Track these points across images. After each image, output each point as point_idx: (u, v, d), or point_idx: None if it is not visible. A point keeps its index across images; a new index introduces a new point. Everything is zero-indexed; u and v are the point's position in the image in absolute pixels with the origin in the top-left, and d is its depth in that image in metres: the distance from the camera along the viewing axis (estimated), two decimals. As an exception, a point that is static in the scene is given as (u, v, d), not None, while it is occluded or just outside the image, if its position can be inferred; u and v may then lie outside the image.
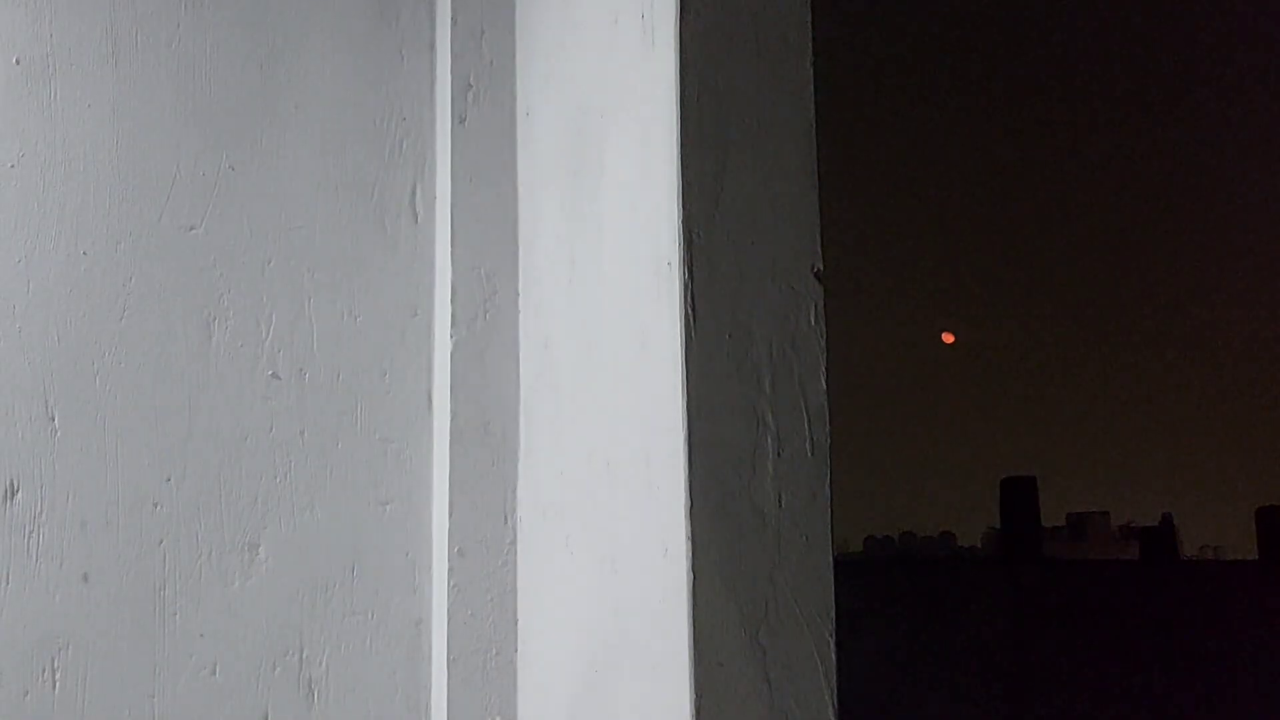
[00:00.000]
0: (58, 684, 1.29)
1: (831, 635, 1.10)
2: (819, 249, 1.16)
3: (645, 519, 1.11)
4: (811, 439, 1.12)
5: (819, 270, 1.15)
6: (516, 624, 1.40)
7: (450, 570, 1.40)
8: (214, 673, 1.34)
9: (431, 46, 1.53)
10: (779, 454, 1.10)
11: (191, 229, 1.41)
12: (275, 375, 1.41)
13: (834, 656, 1.09)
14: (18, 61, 1.37)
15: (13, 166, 1.35)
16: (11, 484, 1.30)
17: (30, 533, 1.30)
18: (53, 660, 1.29)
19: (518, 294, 1.45)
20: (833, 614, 1.11)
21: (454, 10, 1.50)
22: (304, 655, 1.38)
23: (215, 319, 1.40)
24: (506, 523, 1.42)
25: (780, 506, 1.10)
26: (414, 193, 1.50)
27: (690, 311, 1.08)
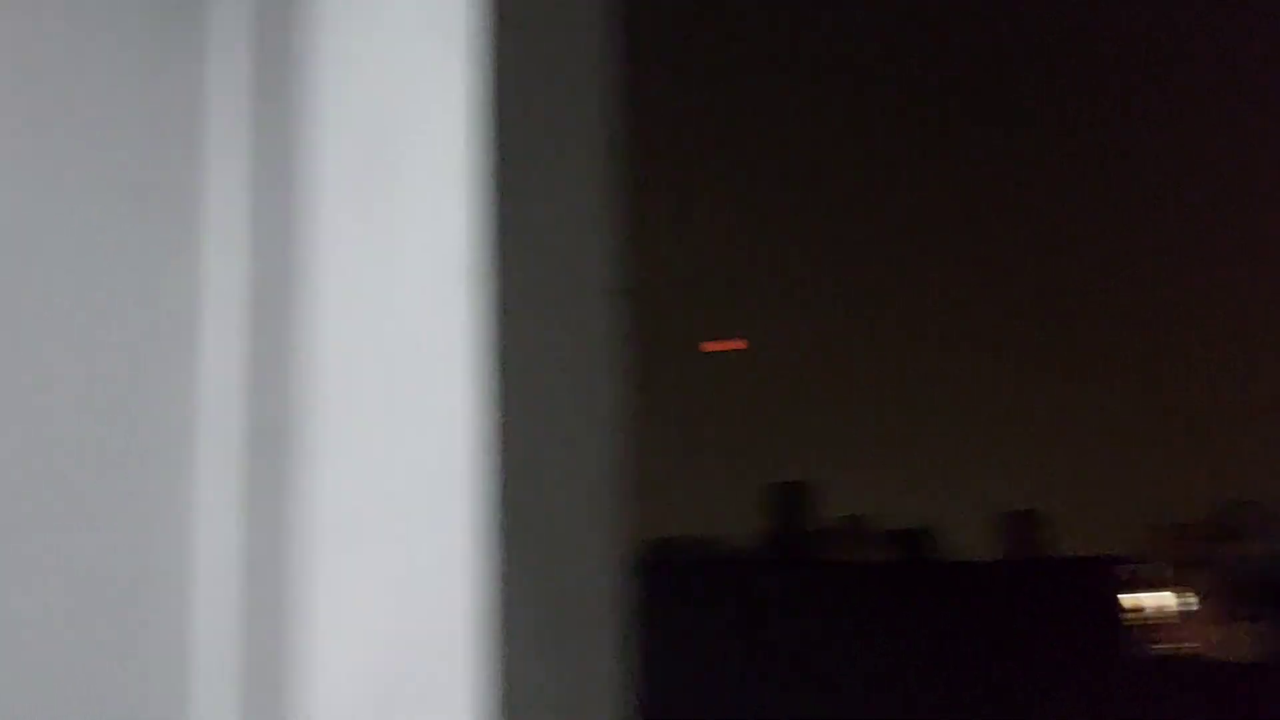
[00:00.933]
0: None
1: (629, 643, 1.11)
2: (622, 263, 1.16)
3: (441, 533, 1.11)
4: (609, 450, 1.14)
5: (621, 285, 1.16)
6: (300, 645, 1.30)
7: (230, 589, 1.31)
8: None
9: (220, 42, 1.43)
10: (577, 466, 1.12)
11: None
12: (39, 389, 1.30)
13: (632, 664, 1.10)
14: None
15: None
16: None
17: None
18: None
19: (309, 301, 1.38)
20: (630, 622, 1.12)
21: (245, 5, 1.42)
22: (69, 684, 1.26)
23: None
24: (293, 539, 1.33)
25: (577, 518, 1.11)
26: (198, 196, 1.41)
27: (491, 323, 1.08)
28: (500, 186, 1.10)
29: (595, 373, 1.14)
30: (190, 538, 1.35)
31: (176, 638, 1.31)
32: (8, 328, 1.28)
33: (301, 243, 1.38)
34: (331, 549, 1.28)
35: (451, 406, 1.10)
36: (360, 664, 1.19)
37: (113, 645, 1.27)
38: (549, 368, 1.11)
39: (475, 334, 1.08)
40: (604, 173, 1.18)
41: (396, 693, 1.14)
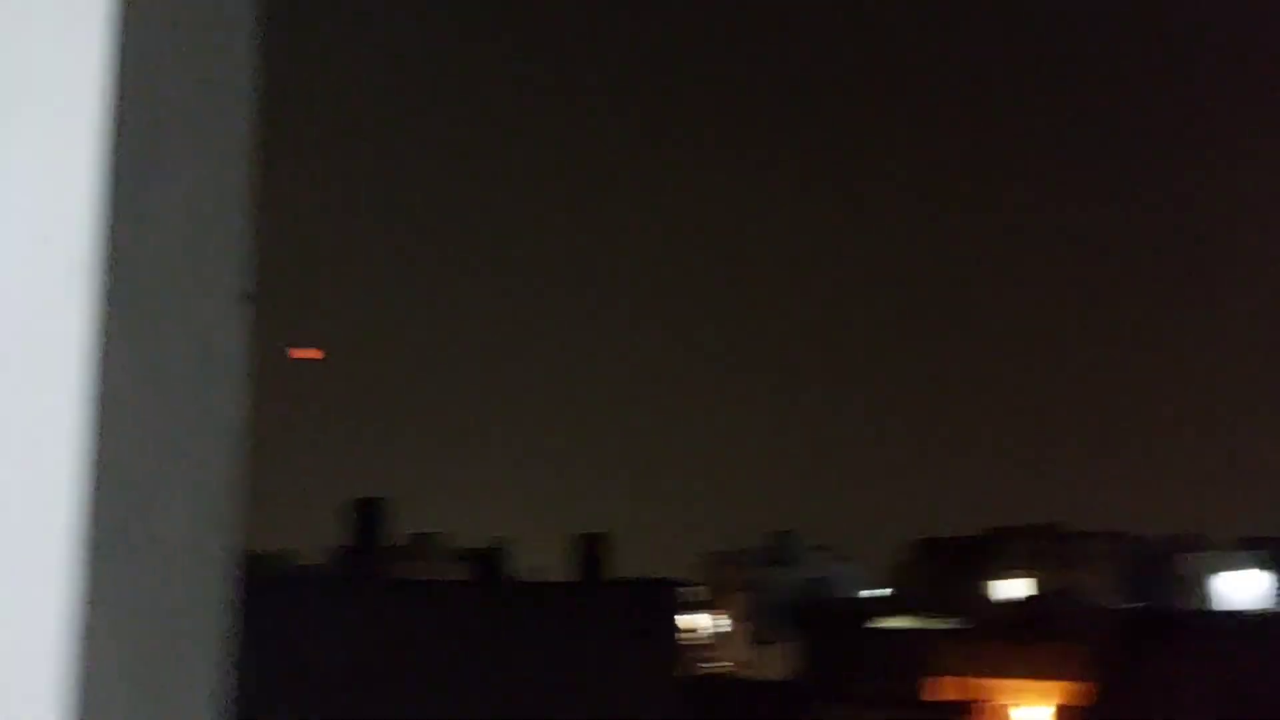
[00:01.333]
0: None
1: (230, 663, 1.07)
2: (248, 269, 1.12)
3: (26, 548, 1.02)
4: (224, 464, 1.10)
5: (246, 291, 1.12)
6: None
7: None
8: None
9: None
10: (187, 479, 1.07)
11: None
12: None
13: (231, 685, 1.07)
14: None
15: None
16: None
17: None
18: None
19: None
20: (233, 643, 1.07)
21: None
22: None
23: None
24: None
25: (184, 534, 1.06)
26: None
27: (103, 324, 1.00)
28: (120, 166, 1.02)
29: (220, 385, 1.09)
30: None
31: None
32: None
33: None
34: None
35: (52, 415, 1.00)
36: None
37: None
38: (169, 378, 1.04)
39: (86, 338, 1.00)
40: (237, 170, 1.12)
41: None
